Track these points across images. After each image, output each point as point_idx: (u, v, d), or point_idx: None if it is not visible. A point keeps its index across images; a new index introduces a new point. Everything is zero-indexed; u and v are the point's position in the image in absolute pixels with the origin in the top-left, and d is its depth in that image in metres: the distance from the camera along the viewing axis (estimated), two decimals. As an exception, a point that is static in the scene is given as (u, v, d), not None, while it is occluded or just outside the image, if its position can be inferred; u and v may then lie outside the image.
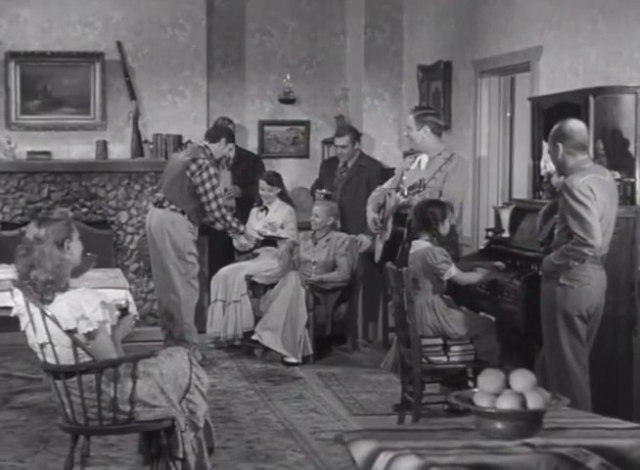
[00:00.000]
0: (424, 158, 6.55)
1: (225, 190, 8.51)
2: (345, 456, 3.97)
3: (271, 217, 7.95)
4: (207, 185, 7.03)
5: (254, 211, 8.09)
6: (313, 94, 9.34)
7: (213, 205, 7.07)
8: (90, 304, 4.15)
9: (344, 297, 7.69)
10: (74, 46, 8.62)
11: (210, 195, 7.05)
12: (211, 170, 7.05)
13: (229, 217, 7.18)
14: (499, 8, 7.21)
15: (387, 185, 6.81)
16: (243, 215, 7.98)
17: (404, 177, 6.60)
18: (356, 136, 8.20)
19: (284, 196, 8.21)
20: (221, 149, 7.31)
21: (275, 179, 8.10)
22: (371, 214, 6.70)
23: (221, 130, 7.55)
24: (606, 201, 4.85)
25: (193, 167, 7.05)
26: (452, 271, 5.71)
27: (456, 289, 5.86)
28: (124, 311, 4.60)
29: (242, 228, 7.29)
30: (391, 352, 6.04)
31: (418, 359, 5.52)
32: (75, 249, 4.31)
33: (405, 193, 6.38)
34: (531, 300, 5.28)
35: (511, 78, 7.44)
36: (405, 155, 8.29)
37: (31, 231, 4.25)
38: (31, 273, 4.18)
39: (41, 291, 4.18)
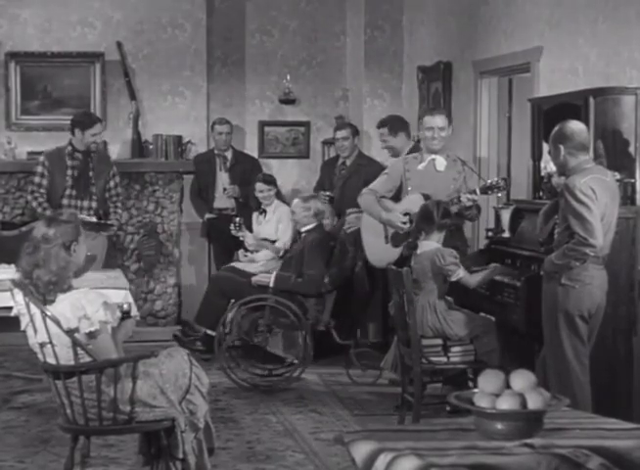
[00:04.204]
0: (439, 159, 6.39)
1: (224, 189, 8.52)
2: (345, 457, 3.97)
3: (269, 218, 7.93)
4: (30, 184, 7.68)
5: (255, 215, 8.07)
6: (313, 94, 9.34)
7: (34, 203, 7.57)
8: (92, 304, 4.15)
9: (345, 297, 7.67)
10: (74, 46, 8.63)
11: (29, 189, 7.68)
12: (38, 168, 7.58)
13: (40, 210, 7.48)
14: (499, 8, 7.21)
15: (378, 187, 6.54)
16: (244, 216, 7.99)
17: (409, 178, 6.44)
18: (355, 132, 8.20)
19: (279, 195, 8.21)
20: (82, 139, 7.49)
21: (272, 178, 8.11)
22: (394, 216, 6.37)
23: (73, 122, 7.53)
24: (607, 201, 4.85)
25: None
26: (460, 273, 5.69)
27: (458, 289, 5.85)
28: (127, 315, 4.59)
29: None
30: (391, 352, 6.04)
31: (418, 360, 5.52)
32: (81, 252, 4.31)
33: (478, 192, 6.06)
34: (532, 300, 5.29)
35: (509, 79, 7.45)
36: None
37: (40, 230, 4.24)
38: (35, 273, 4.17)
39: (43, 291, 4.17)
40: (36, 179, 7.54)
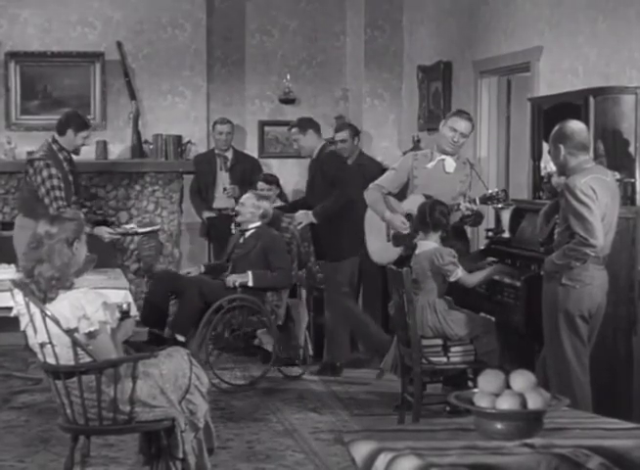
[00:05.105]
0: (449, 160, 6.29)
1: (224, 189, 8.52)
2: (345, 456, 3.97)
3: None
4: (42, 189, 6.68)
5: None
6: (313, 94, 9.35)
7: (50, 209, 6.60)
8: (92, 304, 4.15)
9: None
10: (74, 46, 8.64)
11: (47, 200, 6.66)
12: (45, 173, 6.66)
13: None
14: (499, 8, 7.21)
15: (385, 182, 6.46)
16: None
17: (416, 176, 6.34)
18: (355, 132, 8.20)
19: (283, 197, 8.21)
20: (72, 140, 6.87)
21: (272, 178, 8.10)
22: (396, 217, 6.30)
23: (67, 122, 6.95)
24: (607, 201, 4.85)
25: (30, 171, 6.76)
26: (459, 273, 5.68)
27: (457, 289, 5.85)
28: (126, 315, 4.59)
29: (86, 229, 6.71)
30: (391, 352, 6.04)
31: (418, 360, 5.52)
32: (82, 251, 4.33)
33: (477, 202, 6.02)
34: (532, 300, 5.29)
35: (507, 79, 7.45)
36: (404, 153, 8.25)
37: (43, 227, 4.27)
38: (36, 269, 4.18)
39: (45, 289, 4.18)
40: (57, 193, 6.65)
